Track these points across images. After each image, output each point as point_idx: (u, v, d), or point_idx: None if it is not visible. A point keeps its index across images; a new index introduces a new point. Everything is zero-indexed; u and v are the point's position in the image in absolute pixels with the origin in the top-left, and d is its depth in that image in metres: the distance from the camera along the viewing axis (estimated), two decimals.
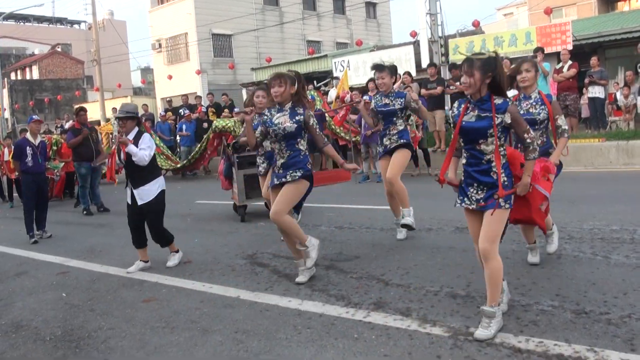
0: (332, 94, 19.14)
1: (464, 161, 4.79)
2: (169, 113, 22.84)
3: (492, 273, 4.55)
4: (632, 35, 20.17)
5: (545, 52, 17.15)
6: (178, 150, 20.98)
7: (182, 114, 21.60)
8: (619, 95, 17.10)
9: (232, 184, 10.84)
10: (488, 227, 4.59)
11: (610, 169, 13.30)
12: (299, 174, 6.13)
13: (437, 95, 15.89)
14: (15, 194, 16.58)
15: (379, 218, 9.48)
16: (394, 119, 7.60)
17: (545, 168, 5.45)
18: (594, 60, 15.93)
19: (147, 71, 60.54)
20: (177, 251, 7.71)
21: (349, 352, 4.41)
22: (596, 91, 15.64)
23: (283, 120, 6.15)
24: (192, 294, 6.30)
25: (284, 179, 6.17)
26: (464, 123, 4.66)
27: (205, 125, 19.53)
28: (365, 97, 15.17)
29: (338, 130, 16.44)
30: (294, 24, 39.97)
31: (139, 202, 7.33)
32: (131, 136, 7.28)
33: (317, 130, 6.27)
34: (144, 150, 7.23)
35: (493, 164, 4.59)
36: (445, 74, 19.31)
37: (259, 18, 38.63)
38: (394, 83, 7.78)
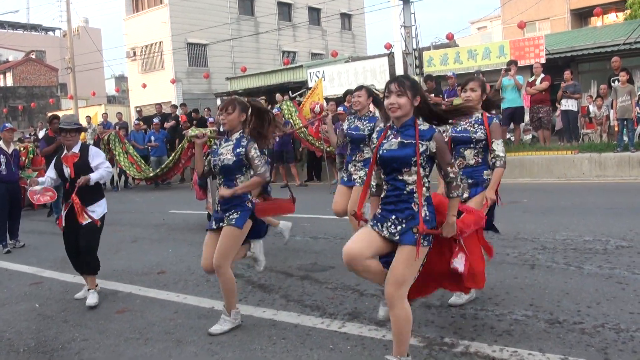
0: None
1: (382, 194, 4.26)
2: (141, 122, 22.64)
3: (398, 322, 3.93)
4: (605, 49, 20.44)
5: (519, 65, 17.35)
6: (150, 160, 20.79)
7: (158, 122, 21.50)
8: (591, 108, 17.31)
9: (207, 194, 10.79)
10: (397, 265, 3.97)
11: (583, 181, 13.45)
12: (235, 216, 5.31)
13: None
14: None
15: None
16: (362, 145, 7.12)
17: (477, 220, 4.62)
18: (567, 74, 16.11)
19: (121, 79, 60.22)
20: (96, 286, 6.71)
21: None
22: (569, 104, 15.82)
23: (225, 152, 5.39)
24: (166, 304, 6.26)
25: (221, 224, 5.35)
26: (384, 151, 4.16)
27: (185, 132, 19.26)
28: (340, 108, 15.25)
29: (313, 141, 16.47)
30: (270, 34, 40.02)
31: (84, 222, 6.48)
32: (76, 149, 6.64)
33: (257, 161, 5.32)
34: (103, 165, 6.70)
35: (415, 194, 4.07)
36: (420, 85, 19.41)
37: (234, 28, 38.61)
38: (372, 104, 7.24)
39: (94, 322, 5.85)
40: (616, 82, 14.47)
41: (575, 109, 16.04)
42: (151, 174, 19.05)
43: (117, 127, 21.46)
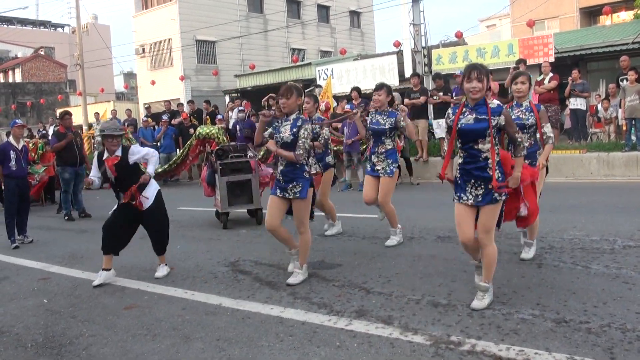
0: None
1: (460, 160, 5.30)
2: (149, 119, 22.69)
3: (489, 257, 5.25)
4: (614, 48, 20.37)
5: (528, 63, 17.30)
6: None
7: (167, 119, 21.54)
8: (600, 108, 17.26)
9: (215, 191, 10.83)
10: (485, 220, 5.21)
11: (591, 180, 13.42)
12: (298, 188, 6.41)
13: (420, 105, 15.95)
14: None
15: (361, 226, 9.51)
16: (383, 138, 7.93)
17: (532, 174, 5.89)
18: (575, 73, 16.07)
19: (130, 76, 60.40)
20: (166, 264, 7.47)
21: None
22: (578, 103, 15.78)
23: (284, 130, 6.42)
24: (174, 301, 6.28)
25: (286, 195, 6.46)
26: (462, 125, 5.17)
27: (192, 131, 19.34)
28: (347, 106, 15.25)
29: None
30: (278, 31, 40.05)
31: (145, 207, 7.12)
32: (118, 152, 7.08)
33: (300, 141, 6.34)
34: (148, 154, 7.27)
35: (489, 161, 5.12)
36: (429, 84, 19.41)
37: (243, 25, 38.65)
38: (389, 103, 8.04)
39: (102, 317, 5.88)
40: (625, 81, 14.43)
41: (583, 107, 16.00)
42: (159, 170, 19.02)
43: (126, 124, 21.49)
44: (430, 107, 16.94)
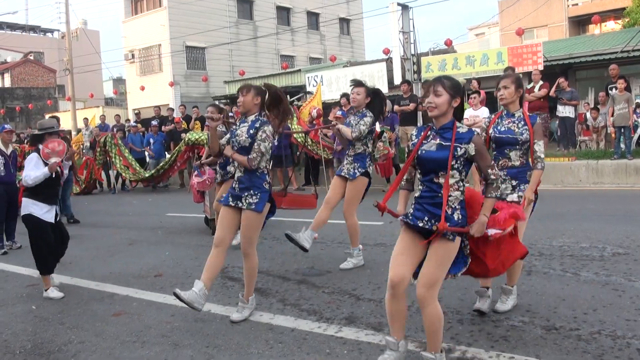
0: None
1: (417, 194, 4.28)
2: (139, 125, 22.60)
3: (431, 321, 4.03)
4: (603, 57, 20.50)
5: (517, 71, 17.37)
6: (147, 162, 20.67)
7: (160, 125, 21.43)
8: (588, 116, 17.35)
9: (204, 197, 10.79)
10: (429, 268, 4.06)
11: (580, 188, 13.47)
12: (255, 200, 5.54)
13: (409, 111, 16.00)
14: None
15: None
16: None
17: (513, 215, 4.52)
18: (563, 82, 16.12)
19: (119, 81, 60.29)
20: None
21: None
22: (566, 111, 15.85)
23: (241, 133, 5.64)
24: (163, 307, 6.25)
25: (239, 203, 5.58)
26: (423, 152, 4.18)
27: (184, 135, 19.21)
28: (338, 112, 15.21)
29: (312, 146, 16.39)
30: (268, 38, 40.09)
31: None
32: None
33: (256, 145, 5.53)
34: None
35: (450, 197, 4.09)
36: (418, 91, 19.47)
37: (233, 31, 38.70)
38: (367, 104, 7.21)
39: (90, 324, 5.84)
40: (614, 89, 14.51)
41: (572, 115, 16.08)
42: (147, 175, 18.95)
43: (115, 130, 21.43)
44: (420, 114, 17.00)
